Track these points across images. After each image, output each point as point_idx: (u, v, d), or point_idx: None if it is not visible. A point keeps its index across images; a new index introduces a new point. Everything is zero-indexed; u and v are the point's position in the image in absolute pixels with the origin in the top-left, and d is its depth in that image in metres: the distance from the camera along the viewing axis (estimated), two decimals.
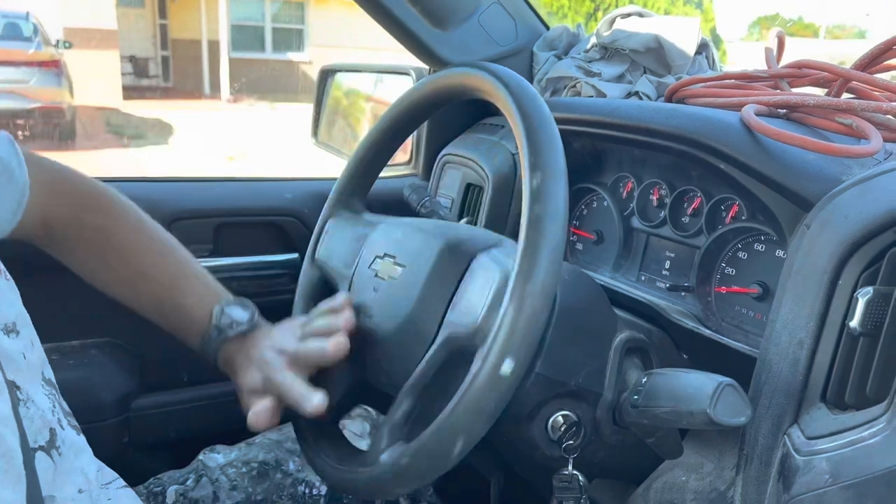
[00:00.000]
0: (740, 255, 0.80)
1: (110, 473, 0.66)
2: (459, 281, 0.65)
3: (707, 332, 0.76)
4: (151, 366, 1.08)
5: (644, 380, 0.64)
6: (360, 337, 0.71)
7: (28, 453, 0.48)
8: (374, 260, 0.74)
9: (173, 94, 13.63)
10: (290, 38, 15.54)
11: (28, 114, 8.01)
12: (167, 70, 15.23)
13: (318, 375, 0.73)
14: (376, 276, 0.73)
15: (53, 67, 8.07)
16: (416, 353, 0.64)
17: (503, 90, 0.64)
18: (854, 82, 0.78)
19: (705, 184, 0.82)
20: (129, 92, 12.54)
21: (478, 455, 1.02)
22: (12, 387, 0.48)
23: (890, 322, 0.52)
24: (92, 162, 7.28)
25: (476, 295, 0.62)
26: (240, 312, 0.76)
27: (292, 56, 15.37)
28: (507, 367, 0.53)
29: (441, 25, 1.01)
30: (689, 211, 0.86)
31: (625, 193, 0.95)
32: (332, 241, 0.82)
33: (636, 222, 0.93)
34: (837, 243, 0.57)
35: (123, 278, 0.79)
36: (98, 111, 10.55)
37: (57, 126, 8.29)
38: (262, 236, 1.10)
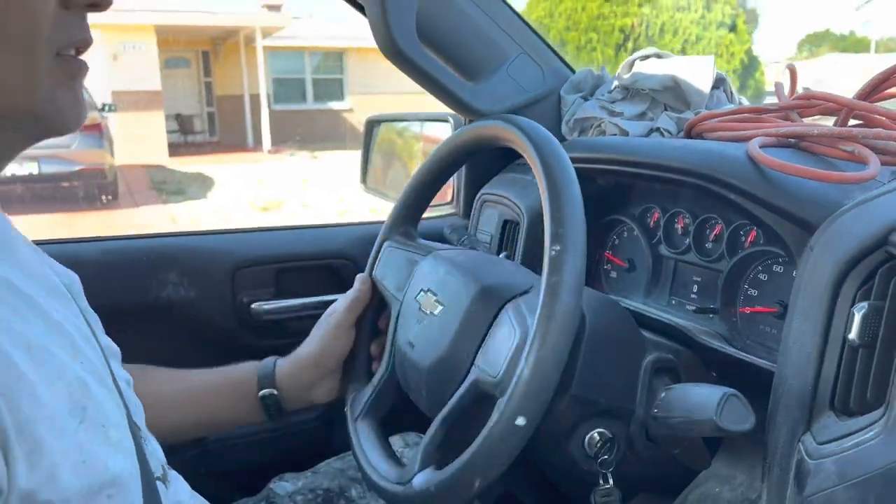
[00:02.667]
0: (761, 276, 0.85)
1: (201, 500, 0.75)
2: (489, 327, 0.74)
3: (732, 350, 0.81)
4: None
5: (662, 394, 0.70)
6: (407, 363, 0.79)
7: (152, 485, 0.57)
8: (419, 292, 0.83)
9: (219, 149, 14.16)
10: (331, 88, 16.23)
11: (71, 176, 8.31)
12: (213, 125, 15.87)
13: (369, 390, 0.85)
14: (420, 308, 0.82)
15: (95, 131, 8.31)
16: (449, 388, 0.73)
17: (529, 144, 0.72)
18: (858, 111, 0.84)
19: (723, 212, 0.88)
20: (176, 148, 13.08)
21: (515, 478, 1.09)
22: (134, 427, 0.58)
23: (883, 333, 0.57)
24: (130, 219, 7.53)
25: (500, 346, 0.70)
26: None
27: (333, 105, 16.24)
28: (520, 421, 0.61)
29: (473, 78, 1.10)
30: (712, 237, 0.91)
31: (652, 223, 1.01)
32: (388, 263, 0.93)
33: (664, 250, 0.99)
34: (835, 263, 0.62)
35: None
36: (143, 169, 10.95)
37: (99, 187, 8.61)
38: (317, 278, 1.20)
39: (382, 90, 14.76)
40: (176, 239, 1.16)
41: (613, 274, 1.09)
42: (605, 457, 0.76)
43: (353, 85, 16.15)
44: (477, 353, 0.73)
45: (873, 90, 0.82)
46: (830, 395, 0.62)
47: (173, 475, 0.69)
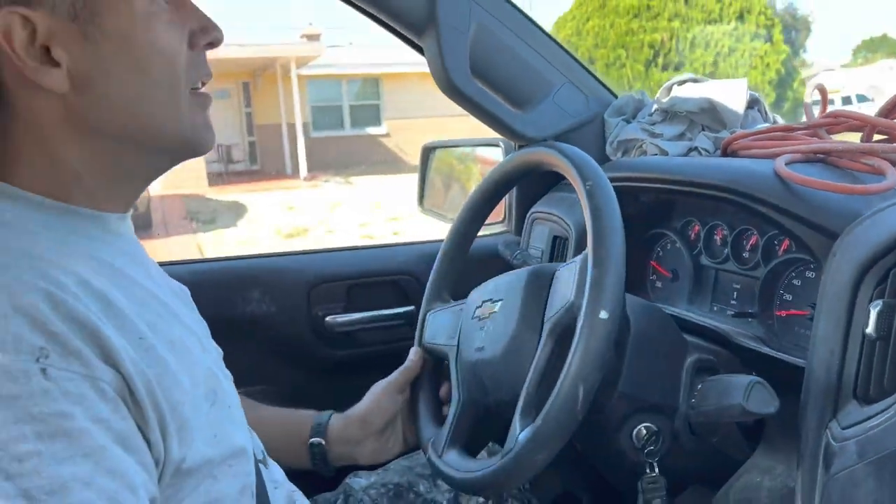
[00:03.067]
0: (794, 282, 0.92)
1: (291, 484, 0.86)
2: (548, 292, 0.82)
3: (767, 350, 0.88)
4: (301, 408, 1.29)
5: (699, 385, 0.78)
6: (480, 368, 0.87)
7: (256, 465, 0.68)
8: (474, 311, 0.92)
9: (258, 177, 14.30)
10: (368, 114, 16.58)
11: None
12: (254, 154, 16.08)
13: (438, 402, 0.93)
14: (480, 320, 0.91)
15: None
16: (523, 362, 0.78)
17: (573, 168, 0.81)
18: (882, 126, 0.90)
19: (757, 224, 0.95)
20: (217, 178, 13.17)
21: (571, 476, 1.16)
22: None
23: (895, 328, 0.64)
24: (158, 248, 7.63)
25: (563, 286, 0.78)
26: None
27: (371, 130, 16.48)
28: (603, 315, 0.68)
29: (521, 107, 1.20)
30: (748, 247, 0.99)
31: (693, 235, 1.09)
32: (434, 325, 1.00)
33: (704, 260, 1.06)
34: (854, 266, 0.70)
35: None
36: (181, 199, 11.05)
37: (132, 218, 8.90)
38: (384, 293, 1.31)
39: (417, 114, 15.10)
40: (258, 260, 1.29)
41: (659, 284, 1.17)
42: (651, 447, 0.84)
43: (389, 110, 16.44)
44: (544, 315, 0.80)
45: (893, 108, 0.88)
46: (853, 385, 0.69)
47: (270, 462, 0.80)
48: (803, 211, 0.79)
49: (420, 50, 1.13)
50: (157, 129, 0.61)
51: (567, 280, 0.78)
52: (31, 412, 0.46)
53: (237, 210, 10.60)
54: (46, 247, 0.54)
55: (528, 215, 1.35)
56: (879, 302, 0.66)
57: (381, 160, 15.30)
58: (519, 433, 0.72)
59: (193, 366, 0.60)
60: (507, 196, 1.45)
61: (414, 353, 1.00)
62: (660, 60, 9.58)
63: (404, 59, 15.69)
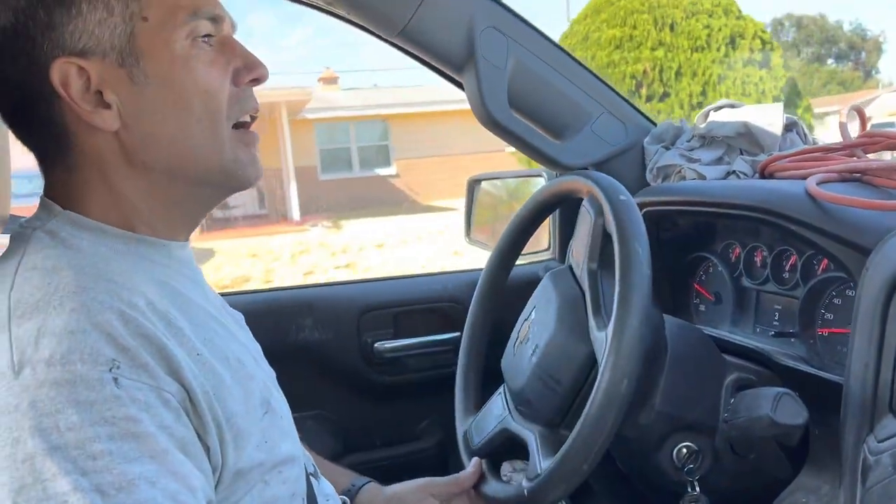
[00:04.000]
0: (835, 301, 0.92)
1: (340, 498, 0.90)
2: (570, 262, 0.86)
3: (807, 368, 0.88)
4: (352, 432, 1.34)
5: (732, 400, 0.79)
6: (536, 375, 0.87)
7: (307, 477, 0.73)
8: (516, 343, 0.95)
9: (263, 222, 13.83)
10: (377, 155, 16.38)
11: None
12: (262, 198, 15.35)
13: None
14: (521, 342, 0.94)
15: None
16: (580, 329, 0.81)
17: (602, 195, 0.84)
18: None
19: (795, 243, 0.96)
20: (216, 223, 12.58)
21: (613, 496, 1.16)
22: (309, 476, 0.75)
23: None
24: None
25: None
26: None
27: (380, 171, 16.27)
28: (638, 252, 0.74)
29: (560, 137, 1.24)
30: (788, 267, 0.99)
31: (733, 258, 1.10)
32: (479, 427, 0.98)
33: (746, 282, 1.07)
34: (885, 280, 0.70)
35: None
36: None
37: None
38: (430, 320, 1.35)
39: (427, 154, 15.11)
40: (311, 290, 1.36)
41: (702, 307, 1.17)
42: (692, 466, 0.85)
43: (398, 151, 16.26)
44: (577, 281, 0.85)
45: None
46: (889, 399, 0.69)
47: (322, 477, 0.85)
48: (835, 228, 0.80)
49: (460, 86, 1.18)
50: (201, 163, 0.66)
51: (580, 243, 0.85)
52: (104, 416, 0.51)
53: (200, 257, 9.81)
54: (118, 271, 0.60)
55: (570, 243, 1.38)
56: None
57: (392, 200, 15.20)
58: (543, 459, 0.75)
59: (248, 379, 0.65)
60: (550, 223, 1.49)
61: (474, 464, 0.95)
62: (643, 92, 9.07)
63: (411, 100, 15.90)
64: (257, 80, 0.68)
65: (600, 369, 0.72)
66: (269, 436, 0.65)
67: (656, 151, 1.27)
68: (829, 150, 1.00)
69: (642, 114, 1.32)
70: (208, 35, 0.65)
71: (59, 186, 0.65)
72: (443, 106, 14.79)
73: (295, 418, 1.01)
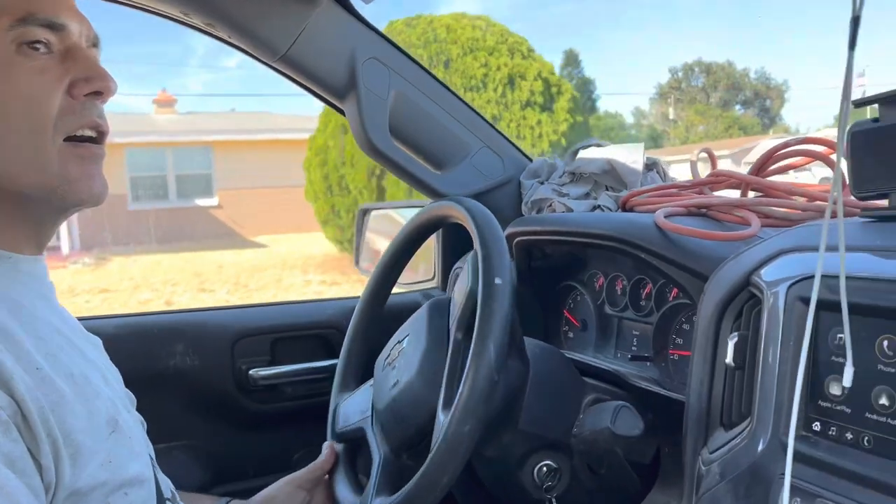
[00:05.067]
0: (684, 326, 0.99)
1: None
2: (449, 309, 0.87)
3: (657, 389, 0.94)
4: (223, 462, 1.29)
5: (581, 416, 0.83)
6: (392, 407, 0.89)
7: (163, 501, 0.70)
8: (384, 363, 0.96)
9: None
10: (197, 185, 15.01)
11: None
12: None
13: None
14: (390, 364, 0.95)
15: None
16: (438, 377, 0.81)
17: (471, 220, 0.87)
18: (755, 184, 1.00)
19: (649, 273, 1.03)
20: None
21: None
22: (149, 456, 0.72)
23: (749, 357, 0.71)
24: None
25: (461, 290, 0.83)
26: None
27: (200, 202, 15.01)
28: (498, 280, 0.74)
29: (441, 168, 1.28)
30: (644, 295, 1.06)
31: (598, 287, 1.16)
32: (345, 411, 1.03)
33: (608, 309, 1.13)
34: (716, 303, 0.77)
35: None
36: None
37: None
38: (309, 347, 1.34)
39: (254, 184, 13.87)
40: (182, 315, 1.32)
41: (571, 333, 1.23)
42: (550, 483, 0.88)
43: (222, 180, 14.87)
44: (449, 327, 0.85)
45: (762, 167, 0.98)
46: (720, 413, 0.75)
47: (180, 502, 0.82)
48: (678, 256, 0.87)
49: (343, 112, 1.20)
50: (21, 177, 0.62)
51: (462, 283, 0.84)
52: None
53: None
54: None
55: (452, 270, 1.41)
56: (735, 334, 0.72)
57: (211, 234, 14.01)
58: (443, 420, 0.74)
59: (94, 397, 0.62)
60: (434, 252, 1.52)
61: (326, 448, 1.00)
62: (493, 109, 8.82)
63: (237, 127, 14.62)
64: (100, 94, 0.65)
65: (434, 443, 0.73)
66: (114, 455, 0.62)
67: (531, 186, 1.33)
68: (681, 187, 1.09)
69: (520, 150, 1.38)
70: (40, 42, 0.62)
71: None
72: (276, 134, 13.95)
73: (161, 448, 0.97)
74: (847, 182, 0.69)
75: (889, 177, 0.65)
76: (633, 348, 1.08)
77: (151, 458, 0.74)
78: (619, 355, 1.10)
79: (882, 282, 0.57)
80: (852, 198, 0.70)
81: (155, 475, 0.71)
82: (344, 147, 9.04)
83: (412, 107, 1.22)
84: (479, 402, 0.70)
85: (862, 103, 0.67)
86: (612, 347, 1.12)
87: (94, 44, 0.69)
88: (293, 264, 10.75)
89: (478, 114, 1.30)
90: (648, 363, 1.02)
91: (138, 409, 0.81)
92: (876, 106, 0.66)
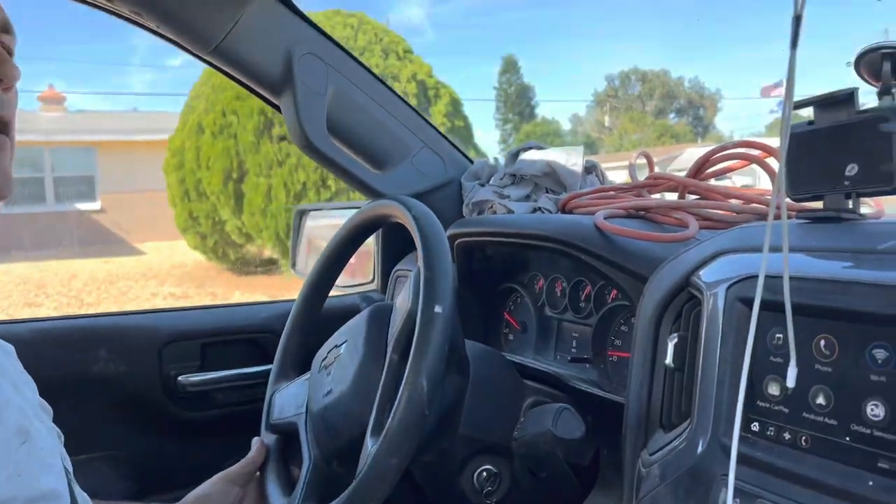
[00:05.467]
0: (623, 328, 0.99)
1: None
2: (389, 319, 0.84)
3: (596, 391, 0.93)
4: (150, 473, 1.23)
5: (522, 418, 0.82)
6: (324, 414, 0.86)
7: None
8: (321, 364, 0.93)
9: None
10: (78, 187, 14.11)
11: None
12: None
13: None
14: (326, 368, 0.92)
15: None
16: (373, 390, 0.78)
17: (412, 219, 0.85)
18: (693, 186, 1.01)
19: (588, 274, 1.03)
20: None
21: None
22: (66, 470, 0.66)
23: (688, 358, 0.71)
24: None
25: (402, 306, 0.80)
26: None
27: (81, 206, 14.03)
28: (438, 308, 0.71)
29: (381, 168, 1.26)
30: (583, 297, 1.06)
31: (538, 289, 1.15)
32: (281, 402, 1.00)
33: (548, 311, 1.13)
34: (655, 304, 0.77)
35: None
36: None
37: None
38: (242, 352, 1.29)
39: (144, 188, 12.98)
40: (104, 318, 1.25)
41: (511, 336, 1.22)
42: (490, 488, 0.86)
43: (107, 183, 13.98)
44: (388, 340, 0.82)
45: (699, 171, 1.00)
46: (659, 415, 0.75)
47: None
48: (618, 258, 0.87)
49: (278, 108, 1.16)
50: None
51: (404, 298, 0.81)
52: None
53: None
54: None
55: (391, 273, 1.39)
56: (675, 335, 0.72)
57: (92, 240, 13.02)
58: (371, 447, 0.72)
59: (3, 406, 0.58)
60: (374, 254, 1.49)
61: (256, 442, 0.98)
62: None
63: (123, 127, 13.63)
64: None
65: (360, 469, 0.71)
66: (24, 468, 0.57)
67: (472, 187, 1.32)
68: (620, 189, 1.09)
69: (461, 151, 1.37)
70: None
71: None
72: (167, 135, 13.07)
73: (82, 459, 0.92)
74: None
75: (824, 179, 0.66)
76: (573, 350, 1.08)
77: (67, 472, 0.69)
78: (559, 357, 1.10)
79: (818, 282, 0.58)
80: (789, 200, 0.71)
81: (71, 489, 0.66)
82: (200, 148, 8.58)
83: (352, 105, 1.19)
84: (406, 437, 0.69)
85: (798, 106, 0.68)
86: (552, 350, 1.12)
87: (6, 30, 0.64)
88: (156, 274, 10.27)
89: (420, 114, 1.29)
90: (588, 365, 1.02)
91: (57, 419, 0.75)
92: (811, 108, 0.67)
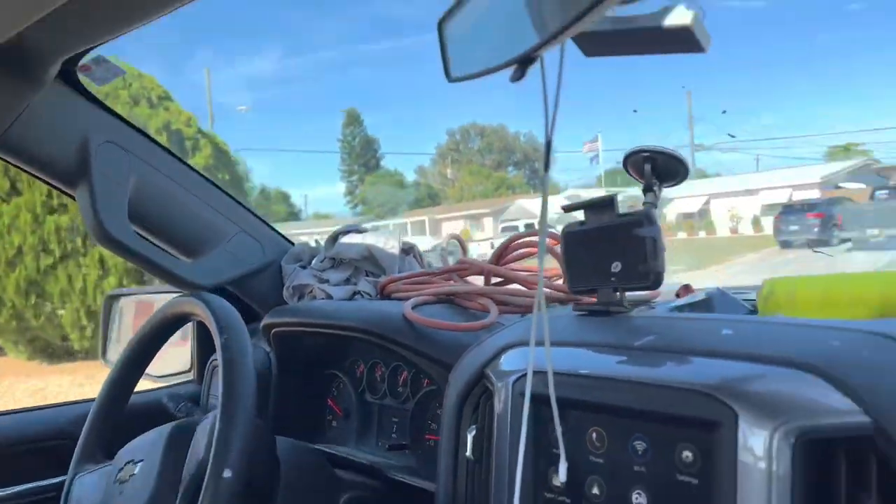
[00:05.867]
0: (439, 412, 1.00)
1: None
2: (188, 448, 0.80)
3: (411, 479, 0.94)
4: None
5: None
6: None
7: None
8: (117, 474, 0.87)
9: None
10: None
11: None
12: None
13: None
14: (120, 483, 0.85)
15: None
16: None
17: (214, 321, 0.82)
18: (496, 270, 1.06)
19: (404, 360, 1.04)
20: None
21: None
22: None
23: (485, 450, 0.73)
24: None
25: (200, 441, 0.77)
26: None
27: None
28: (227, 473, 0.68)
29: (193, 256, 1.21)
30: (401, 382, 1.07)
31: (359, 374, 1.15)
32: (79, 492, 0.91)
33: (369, 397, 1.12)
34: (457, 394, 0.79)
35: None
36: None
37: None
38: (32, 462, 1.16)
39: None
40: None
41: (334, 423, 1.20)
42: None
43: None
44: (183, 472, 0.78)
45: (500, 256, 1.05)
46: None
47: None
48: (425, 347, 0.89)
49: (73, 198, 1.09)
50: None
51: (203, 434, 0.78)
52: None
53: None
54: None
55: (208, 363, 1.32)
56: (473, 427, 0.74)
57: None
58: None
59: None
60: (191, 343, 1.42)
61: None
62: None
63: None
64: None
65: None
66: None
67: (293, 270, 1.30)
68: (433, 274, 1.12)
69: (280, 234, 1.35)
70: None
71: None
72: None
73: None
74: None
75: (595, 274, 0.72)
76: (394, 436, 1.08)
77: None
78: (380, 444, 1.09)
79: (589, 378, 0.63)
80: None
81: None
82: None
83: (157, 192, 1.14)
84: None
85: (570, 209, 0.75)
86: (374, 436, 1.11)
87: None
88: None
89: (233, 198, 1.26)
90: (406, 451, 1.03)
91: None
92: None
